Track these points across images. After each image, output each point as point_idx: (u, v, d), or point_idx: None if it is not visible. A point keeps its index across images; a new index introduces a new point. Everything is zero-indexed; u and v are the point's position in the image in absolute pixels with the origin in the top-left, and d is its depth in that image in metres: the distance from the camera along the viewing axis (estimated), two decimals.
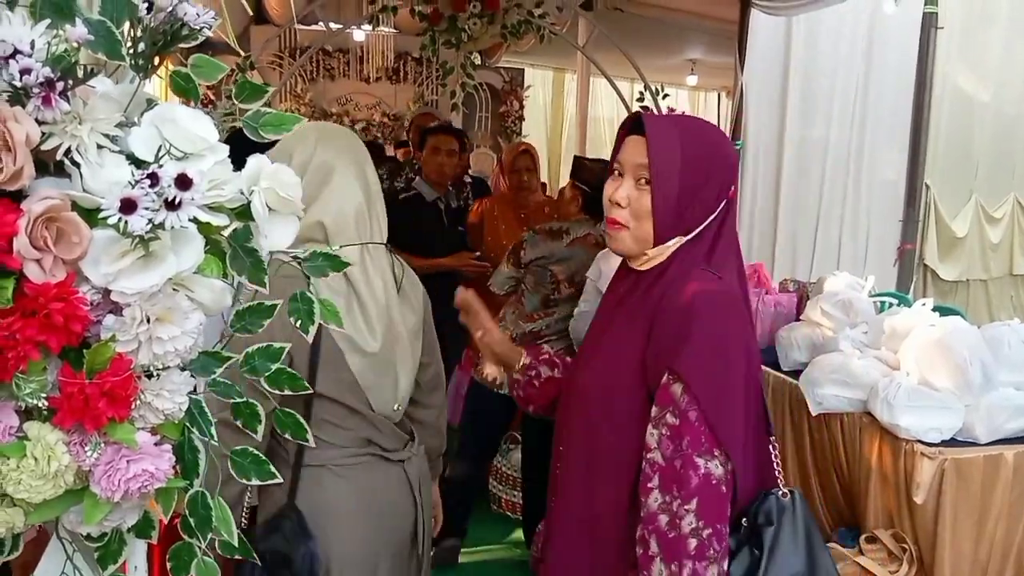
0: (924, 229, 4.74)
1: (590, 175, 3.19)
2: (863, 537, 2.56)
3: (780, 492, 1.33)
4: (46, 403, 0.86)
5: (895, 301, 3.37)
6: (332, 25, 6.84)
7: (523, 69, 9.58)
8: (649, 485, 1.27)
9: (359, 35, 7.99)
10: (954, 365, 2.53)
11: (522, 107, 9.39)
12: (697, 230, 1.35)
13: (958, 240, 5.14)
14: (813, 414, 2.84)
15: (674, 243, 1.35)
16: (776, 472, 1.36)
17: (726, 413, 1.25)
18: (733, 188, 1.39)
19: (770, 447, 1.38)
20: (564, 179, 9.68)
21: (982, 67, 5.19)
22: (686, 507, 1.22)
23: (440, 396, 2.02)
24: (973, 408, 2.51)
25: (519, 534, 3.65)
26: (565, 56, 7.70)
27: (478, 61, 8.15)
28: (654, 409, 1.29)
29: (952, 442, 2.49)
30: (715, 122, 10.45)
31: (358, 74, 8.73)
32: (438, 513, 2.14)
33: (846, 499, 2.83)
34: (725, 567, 1.24)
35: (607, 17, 6.17)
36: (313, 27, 7.75)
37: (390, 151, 7.35)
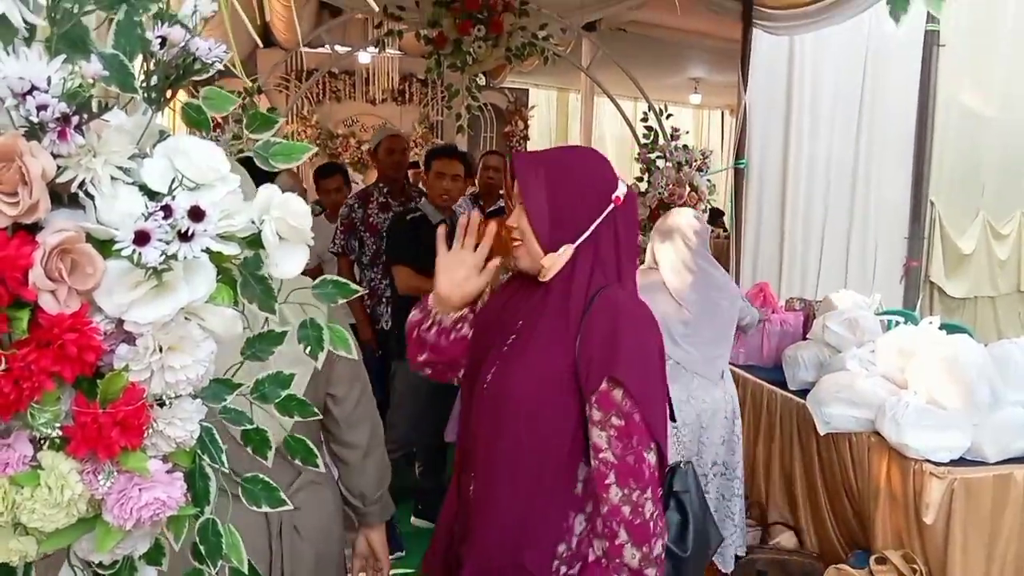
0: (930, 246, 4.73)
1: None
2: (873, 558, 2.54)
3: (683, 463, 1.58)
4: (60, 432, 0.87)
5: (902, 319, 3.37)
6: (338, 48, 6.90)
7: (528, 89, 9.64)
8: (607, 482, 1.41)
9: (365, 57, 8.06)
10: (962, 384, 2.53)
11: (527, 127, 9.45)
12: (584, 235, 1.49)
13: (965, 257, 5.12)
14: (821, 434, 2.84)
15: (564, 250, 1.49)
16: (672, 448, 1.61)
17: (658, 409, 1.44)
18: (617, 196, 1.51)
19: (671, 429, 1.55)
20: None
21: (988, 83, 5.19)
22: (645, 496, 1.40)
23: (364, 434, 1.81)
24: (981, 427, 2.50)
25: None
26: (569, 76, 7.76)
27: (483, 82, 8.23)
28: (597, 414, 1.42)
29: (961, 461, 2.48)
30: (720, 140, 10.48)
31: (364, 96, 8.81)
32: (380, 562, 1.95)
33: (857, 520, 2.81)
34: (665, 536, 1.46)
35: (611, 37, 6.21)
36: (319, 50, 7.82)
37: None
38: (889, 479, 2.58)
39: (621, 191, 1.52)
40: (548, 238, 1.50)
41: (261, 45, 7.25)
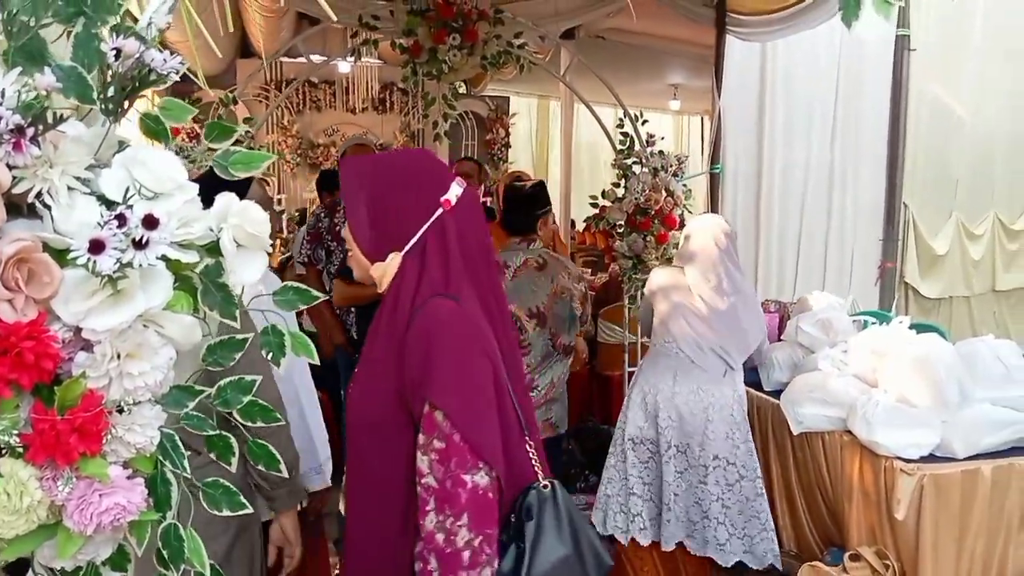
0: (904, 248, 4.79)
1: (512, 191, 3.28)
2: (847, 555, 2.57)
3: (541, 485, 1.42)
4: (18, 440, 0.88)
5: (876, 320, 3.41)
6: (315, 58, 6.91)
7: (508, 97, 9.68)
8: (427, 508, 1.35)
9: (344, 67, 8.07)
10: (931, 382, 2.57)
11: (508, 134, 9.49)
12: (411, 242, 1.44)
13: (939, 258, 5.19)
14: (794, 433, 2.87)
15: (391, 258, 1.45)
16: (535, 467, 1.45)
17: (485, 428, 1.36)
18: (447, 199, 1.45)
19: (527, 446, 1.46)
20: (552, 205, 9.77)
21: (958, 86, 5.27)
22: (459, 523, 1.32)
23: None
24: (950, 424, 2.54)
25: None
26: (550, 83, 7.80)
27: (463, 90, 8.25)
28: (421, 437, 1.37)
29: (931, 458, 2.52)
30: (699, 145, 10.56)
31: (344, 105, 8.82)
32: (291, 550, 2.01)
33: (831, 518, 2.85)
34: (496, 566, 1.35)
35: (590, 45, 6.26)
36: (299, 59, 7.83)
37: None
38: (861, 477, 2.62)
39: (453, 195, 1.45)
40: (371, 246, 1.46)
41: (240, 52, 7.26)
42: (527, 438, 1.46)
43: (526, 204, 3.21)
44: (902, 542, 2.48)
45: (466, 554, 1.32)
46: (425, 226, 1.44)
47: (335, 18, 1.14)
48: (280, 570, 2.05)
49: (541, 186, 3.34)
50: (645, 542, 2.92)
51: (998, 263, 5.65)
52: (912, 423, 2.52)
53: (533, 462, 1.45)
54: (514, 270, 3.10)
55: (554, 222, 3.75)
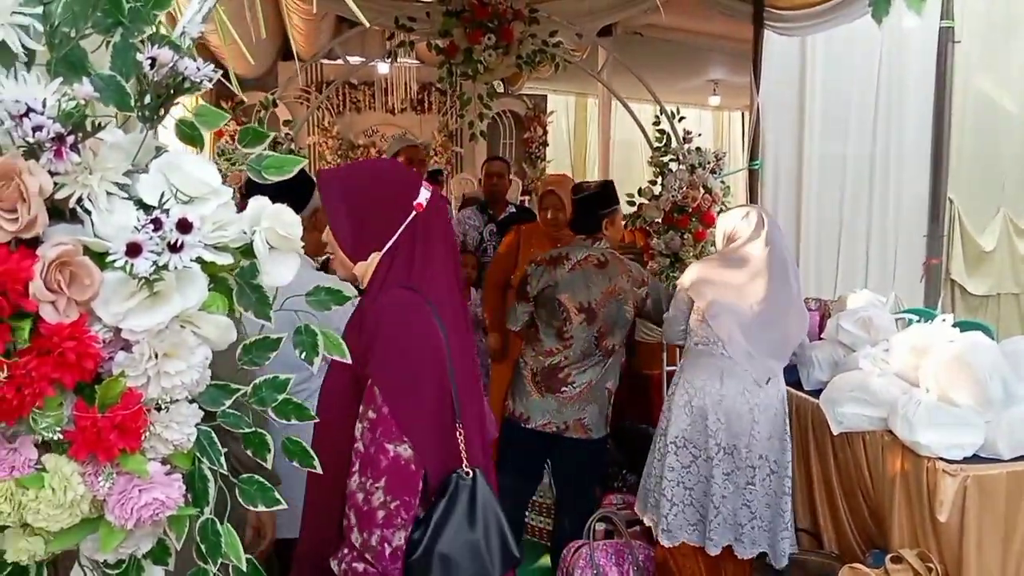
0: (949, 244, 4.70)
1: (576, 192, 3.29)
2: (888, 557, 2.53)
3: (464, 471, 1.53)
4: (62, 436, 0.92)
5: (918, 318, 3.34)
6: (352, 59, 6.98)
7: (546, 95, 9.66)
8: (352, 470, 1.49)
9: (383, 68, 8.15)
10: (974, 381, 2.51)
11: (545, 133, 9.47)
12: (389, 242, 1.59)
13: (986, 254, 5.07)
14: (835, 433, 2.83)
15: (372, 257, 1.60)
16: (462, 454, 1.55)
17: (412, 405, 1.50)
18: (419, 203, 1.60)
19: (457, 434, 1.55)
20: None
21: (1005, 79, 5.15)
22: (376, 485, 1.46)
23: None
24: (994, 424, 2.48)
25: (546, 560, 3.65)
26: (588, 81, 7.77)
27: (500, 89, 8.27)
28: (361, 407, 1.52)
29: (975, 459, 2.46)
30: (740, 141, 10.44)
31: (383, 106, 8.89)
32: (266, 531, 2.14)
33: (873, 519, 2.80)
34: (408, 531, 1.46)
35: (627, 42, 6.23)
36: (338, 61, 7.92)
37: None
38: (903, 478, 2.57)
39: (423, 197, 1.61)
40: (352, 248, 1.62)
41: (280, 54, 7.37)
42: (459, 426, 1.56)
43: (589, 204, 3.23)
44: (945, 544, 2.43)
45: (380, 513, 1.45)
46: (401, 228, 1.60)
47: (367, 23, 1.16)
48: (255, 550, 2.15)
49: (606, 186, 3.32)
50: (669, 543, 2.90)
51: None
52: (955, 423, 2.47)
53: (461, 449, 1.55)
54: (573, 263, 3.11)
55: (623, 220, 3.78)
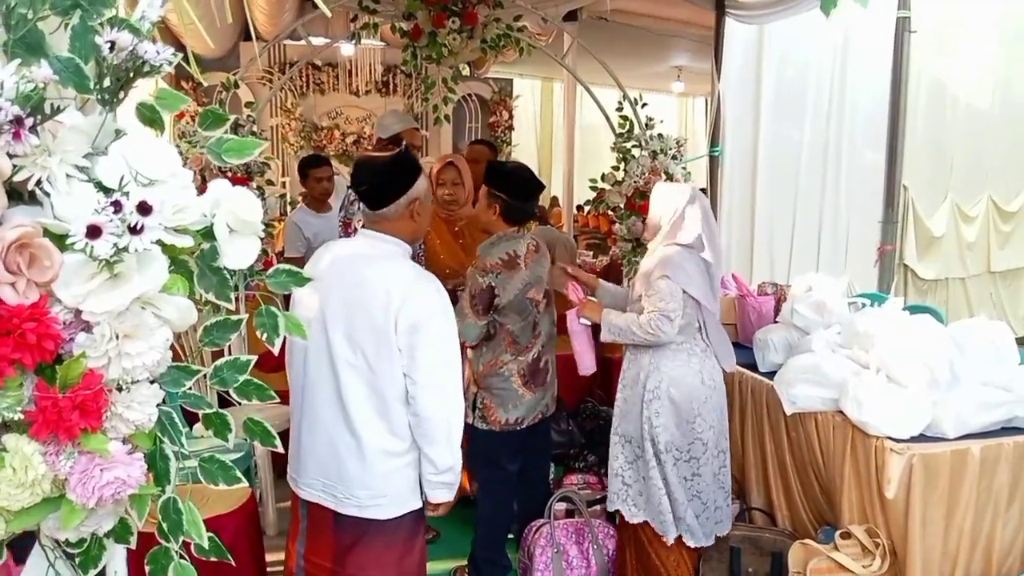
0: (903, 229, 4.81)
1: (506, 180, 3.04)
2: (838, 533, 2.61)
3: None
4: (23, 416, 0.93)
5: (870, 302, 3.43)
6: (315, 40, 6.90)
7: (512, 79, 9.66)
8: None
9: (348, 49, 8.07)
10: (921, 362, 2.60)
11: (511, 117, 9.47)
12: None
13: (935, 239, 5.21)
14: (788, 413, 2.91)
15: None
16: None
17: None
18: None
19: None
20: (556, 188, 9.80)
21: (954, 68, 5.27)
22: None
23: None
24: (941, 404, 2.57)
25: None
26: (553, 65, 7.77)
27: (466, 72, 8.24)
28: None
29: (921, 438, 2.55)
30: (702, 127, 10.53)
31: (348, 87, 8.81)
32: None
33: (825, 497, 2.89)
34: None
35: (593, 27, 6.25)
36: (302, 42, 7.83)
37: None
38: (853, 456, 2.65)
39: None
40: None
41: (243, 35, 7.26)
42: None
43: (531, 189, 3.10)
44: (892, 520, 2.52)
45: None
46: None
47: (329, 14, 1.17)
48: None
49: (525, 167, 3.19)
50: (695, 544, 2.82)
51: (993, 244, 5.68)
52: (902, 403, 2.55)
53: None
54: (523, 258, 2.99)
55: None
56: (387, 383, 2.09)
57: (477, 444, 3.11)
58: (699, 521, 2.81)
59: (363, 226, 2.27)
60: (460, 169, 3.53)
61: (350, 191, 3.72)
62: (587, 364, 3.16)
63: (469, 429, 2.96)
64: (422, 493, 2.21)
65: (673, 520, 2.80)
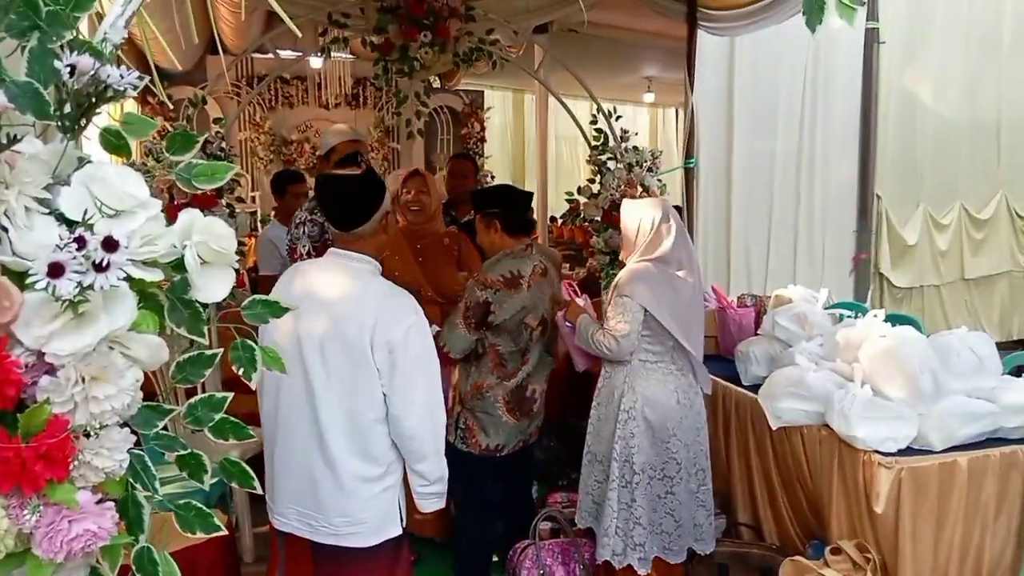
0: (877, 238, 4.83)
1: (495, 197, 3.03)
2: (828, 548, 2.59)
3: None
4: None
5: (851, 312, 3.43)
6: (283, 53, 6.82)
7: (483, 91, 9.63)
8: None
9: (316, 62, 8.00)
10: (905, 375, 2.58)
11: (483, 129, 9.44)
12: None
13: (909, 248, 5.25)
14: (773, 428, 2.88)
15: None
16: None
17: None
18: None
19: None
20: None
21: (923, 79, 5.34)
22: None
23: None
24: (926, 416, 2.56)
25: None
26: (524, 77, 7.76)
27: (437, 84, 8.19)
28: None
29: (908, 451, 2.53)
30: (675, 138, 10.58)
31: (317, 101, 8.73)
32: None
33: (812, 512, 2.86)
34: None
35: (563, 39, 6.23)
36: (270, 55, 7.74)
37: None
38: (840, 471, 2.63)
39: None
40: None
41: (208, 48, 7.15)
42: None
43: (524, 200, 3.07)
44: (882, 535, 2.49)
45: None
46: None
47: (299, 34, 1.12)
48: None
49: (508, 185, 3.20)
50: (644, 571, 2.75)
51: (966, 251, 5.75)
52: (889, 416, 2.54)
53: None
54: (527, 279, 2.90)
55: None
56: (365, 406, 2.05)
57: (457, 465, 3.02)
58: (671, 537, 2.77)
59: (333, 246, 2.22)
60: (427, 179, 3.44)
61: (301, 213, 3.49)
62: (578, 362, 3.14)
63: (449, 448, 2.89)
64: (401, 520, 2.17)
65: (622, 543, 2.75)
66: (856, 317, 3.15)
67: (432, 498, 2.18)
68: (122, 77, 0.86)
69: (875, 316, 2.91)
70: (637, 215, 2.85)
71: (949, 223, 5.54)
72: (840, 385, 2.71)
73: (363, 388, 2.03)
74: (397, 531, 2.15)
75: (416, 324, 2.08)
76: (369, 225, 2.14)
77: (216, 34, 3.75)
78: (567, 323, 3.02)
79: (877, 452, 2.51)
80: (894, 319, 3.06)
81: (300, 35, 1.14)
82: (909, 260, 5.29)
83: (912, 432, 2.54)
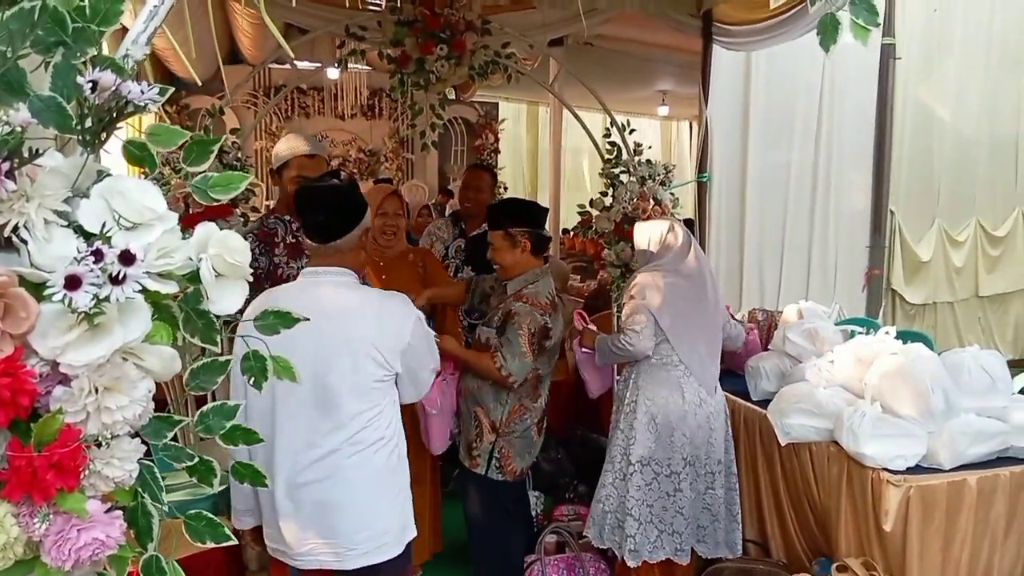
0: (890, 254, 4.82)
1: (524, 213, 2.96)
2: (835, 566, 2.57)
3: None
4: None
5: (862, 328, 3.41)
6: (301, 64, 6.89)
7: (497, 103, 9.68)
8: None
9: (333, 73, 8.06)
10: (916, 392, 2.57)
11: (497, 140, 9.49)
12: None
13: (923, 264, 5.22)
14: (782, 444, 2.87)
15: None
16: None
17: None
18: None
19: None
20: None
21: (941, 94, 5.32)
22: None
23: None
24: (936, 435, 2.54)
25: None
26: (539, 89, 7.79)
27: (452, 96, 8.23)
28: None
29: (917, 469, 2.52)
30: (688, 151, 10.58)
31: (333, 111, 8.81)
32: None
33: (820, 528, 2.85)
34: None
35: (578, 52, 6.26)
36: (287, 66, 7.81)
37: (366, 186, 7.36)
38: (849, 488, 2.62)
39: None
40: None
41: (227, 59, 7.23)
42: None
43: (542, 216, 3.06)
44: (890, 553, 2.48)
45: None
46: None
47: (292, 55, 1.14)
48: None
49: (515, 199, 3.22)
50: (634, 563, 2.83)
51: (981, 268, 5.71)
52: (898, 434, 2.53)
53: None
54: (556, 302, 2.95)
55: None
56: (369, 429, 2.04)
57: (488, 495, 2.98)
58: (682, 538, 2.85)
59: (308, 264, 2.16)
60: (403, 201, 3.31)
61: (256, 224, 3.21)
62: (592, 390, 3.33)
63: (480, 480, 2.88)
64: (416, 518, 2.22)
65: (615, 534, 2.89)
66: (868, 333, 3.14)
67: None
68: (143, 92, 0.88)
69: (887, 333, 2.90)
70: (647, 233, 3.05)
71: (965, 240, 5.51)
72: (850, 402, 2.71)
73: (367, 407, 2.05)
74: (413, 532, 2.18)
75: (417, 317, 2.15)
76: (348, 239, 2.09)
77: (216, 45, 3.78)
78: (584, 350, 3.09)
79: (886, 470, 2.50)
80: (905, 336, 3.05)
81: (293, 56, 1.16)
82: (923, 276, 5.26)
83: (921, 450, 2.53)
